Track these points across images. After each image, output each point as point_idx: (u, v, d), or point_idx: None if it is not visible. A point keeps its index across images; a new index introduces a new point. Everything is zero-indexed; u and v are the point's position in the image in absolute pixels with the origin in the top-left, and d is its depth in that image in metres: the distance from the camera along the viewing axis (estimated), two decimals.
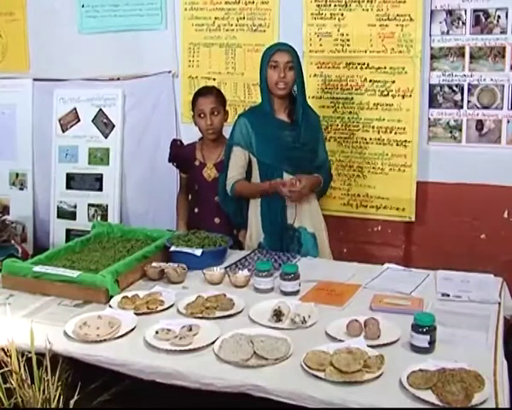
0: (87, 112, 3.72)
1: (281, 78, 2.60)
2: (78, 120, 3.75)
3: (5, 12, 3.85)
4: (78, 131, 3.75)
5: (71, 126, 3.76)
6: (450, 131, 3.09)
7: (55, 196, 3.79)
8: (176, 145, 3.06)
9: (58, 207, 3.78)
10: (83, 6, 3.65)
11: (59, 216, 3.78)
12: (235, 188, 2.72)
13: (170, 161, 3.05)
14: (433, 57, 3.06)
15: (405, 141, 3.12)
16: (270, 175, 2.66)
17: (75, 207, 3.75)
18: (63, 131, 3.77)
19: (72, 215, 3.75)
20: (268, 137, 2.65)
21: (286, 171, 2.65)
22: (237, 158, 2.72)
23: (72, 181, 3.76)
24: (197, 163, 2.95)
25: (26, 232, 3.84)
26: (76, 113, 3.74)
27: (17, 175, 3.92)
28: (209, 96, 2.90)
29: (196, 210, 2.99)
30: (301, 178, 2.56)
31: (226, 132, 2.95)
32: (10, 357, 1.65)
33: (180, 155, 3.02)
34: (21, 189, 3.91)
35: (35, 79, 3.82)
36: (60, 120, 3.78)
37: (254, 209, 2.75)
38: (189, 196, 3.08)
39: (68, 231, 3.75)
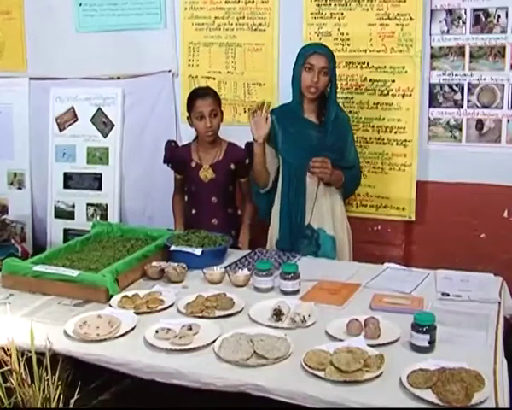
0: (85, 111, 3.69)
1: (314, 82, 2.58)
2: (76, 119, 3.72)
3: (2, 11, 3.83)
4: (75, 130, 3.72)
5: (68, 125, 3.73)
6: (451, 131, 3.09)
7: (52, 196, 3.77)
8: (171, 146, 3.04)
9: (55, 207, 3.75)
10: (80, 5, 3.64)
11: (56, 216, 3.75)
12: (252, 176, 2.78)
13: (165, 162, 3.04)
14: (433, 56, 3.06)
15: (405, 140, 3.12)
16: (294, 174, 2.65)
17: (73, 206, 3.73)
18: (60, 131, 3.74)
19: (70, 215, 3.73)
20: (294, 135, 2.65)
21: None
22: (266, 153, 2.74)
23: (69, 180, 3.74)
24: (193, 164, 2.94)
25: (25, 232, 3.84)
26: (74, 112, 3.72)
27: (15, 175, 3.90)
28: (207, 98, 2.86)
29: (194, 211, 2.99)
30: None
31: (221, 133, 2.95)
32: (10, 356, 1.64)
33: (176, 156, 3.01)
34: (19, 188, 3.89)
35: (31, 78, 3.80)
36: (56, 119, 3.75)
37: (277, 209, 2.76)
38: (186, 198, 3.07)
39: (66, 231, 3.73)
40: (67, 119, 3.74)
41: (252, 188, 2.88)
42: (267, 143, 2.71)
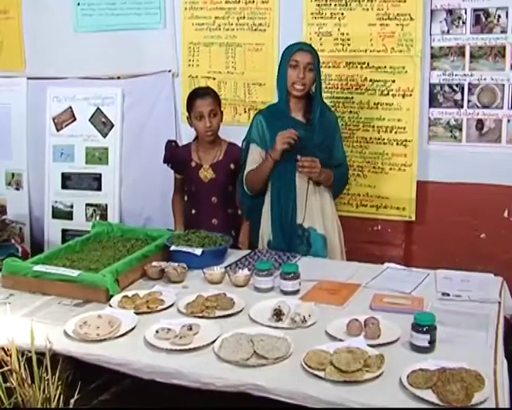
0: (83, 111, 3.68)
1: (300, 78, 2.58)
2: (74, 119, 3.71)
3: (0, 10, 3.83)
4: (73, 130, 3.71)
5: (66, 125, 3.71)
6: (451, 131, 3.09)
7: (50, 196, 3.75)
8: (171, 146, 3.04)
9: (53, 207, 3.74)
10: (78, 4, 3.64)
11: (54, 216, 3.73)
12: (247, 180, 2.73)
13: (165, 161, 3.04)
14: (433, 56, 3.06)
15: (405, 140, 3.12)
16: (283, 174, 2.64)
17: (71, 206, 3.72)
18: (57, 130, 3.73)
19: (68, 215, 3.71)
20: None
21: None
22: (253, 155, 2.73)
23: (68, 181, 3.72)
24: (193, 164, 2.94)
25: (23, 232, 3.82)
26: (71, 111, 3.70)
27: (13, 175, 3.89)
28: (207, 98, 2.87)
29: (193, 211, 2.99)
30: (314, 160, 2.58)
31: (221, 133, 2.95)
32: (10, 356, 1.64)
33: (176, 156, 3.01)
34: (17, 189, 3.87)
35: (29, 78, 3.80)
36: (54, 119, 3.73)
37: (267, 208, 2.75)
38: (186, 197, 3.07)
39: (64, 232, 3.71)
40: (65, 118, 3.72)
41: (238, 191, 2.84)
42: (257, 145, 2.71)
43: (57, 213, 3.74)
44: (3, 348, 1.66)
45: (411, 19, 3.02)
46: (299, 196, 2.67)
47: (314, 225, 2.70)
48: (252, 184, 2.75)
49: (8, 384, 1.65)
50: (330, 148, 2.73)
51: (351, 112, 3.21)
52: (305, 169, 2.58)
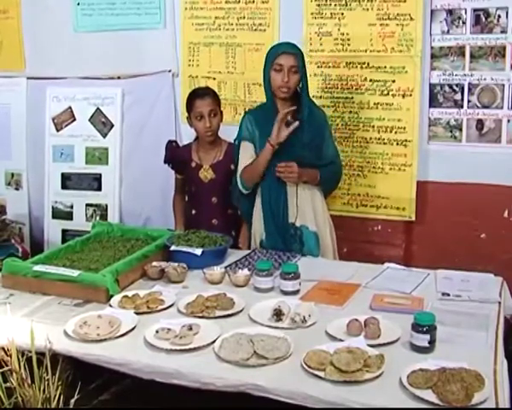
0: (83, 111, 3.67)
1: (284, 82, 2.57)
2: (74, 119, 3.70)
3: None
4: (73, 130, 3.70)
5: (66, 125, 3.71)
6: (451, 131, 3.09)
7: (49, 196, 3.74)
8: (171, 147, 3.04)
9: (53, 208, 3.73)
10: (78, 4, 3.64)
11: (54, 216, 3.73)
12: (243, 175, 2.70)
13: (166, 162, 3.04)
14: (433, 57, 3.06)
15: (405, 140, 3.12)
16: (273, 173, 2.63)
17: (71, 207, 3.71)
18: (57, 130, 3.72)
19: (68, 215, 3.71)
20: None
21: None
22: (248, 151, 2.70)
23: (67, 181, 3.71)
24: (193, 165, 2.94)
25: (23, 232, 3.82)
26: (71, 111, 3.69)
27: (12, 175, 3.89)
28: (206, 98, 2.87)
29: (194, 212, 2.99)
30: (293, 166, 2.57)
31: (221, 133, 2.95)
32: (10, 356, 1.64)
33: (176, 156, 3.01)
34: (17, 189, 3.87)
35: (29, 78, 3.79)
36: (53, 119, 3.72)
37: (258, 207, 2.75)
38: (186, 198, 3.07)
39: (64, 232, 3.70)
40: (65, 119, 3.71)
41: (233, 192, 2.82)
42: (249, 141, 2.70)
43: (57, 214, 3.74)
44: (3, 348, 1.66)
45: (411, 19, 3.02)
46: (289, 195, 2.67)
47: (306, 223, 2.70)
48: (249, 178, 2.70)
49: (8, 384, 1.65)
50: (320, 146, 2.72)
51: (351, 112, 3.21)
52: (281, 174, 2.58)
